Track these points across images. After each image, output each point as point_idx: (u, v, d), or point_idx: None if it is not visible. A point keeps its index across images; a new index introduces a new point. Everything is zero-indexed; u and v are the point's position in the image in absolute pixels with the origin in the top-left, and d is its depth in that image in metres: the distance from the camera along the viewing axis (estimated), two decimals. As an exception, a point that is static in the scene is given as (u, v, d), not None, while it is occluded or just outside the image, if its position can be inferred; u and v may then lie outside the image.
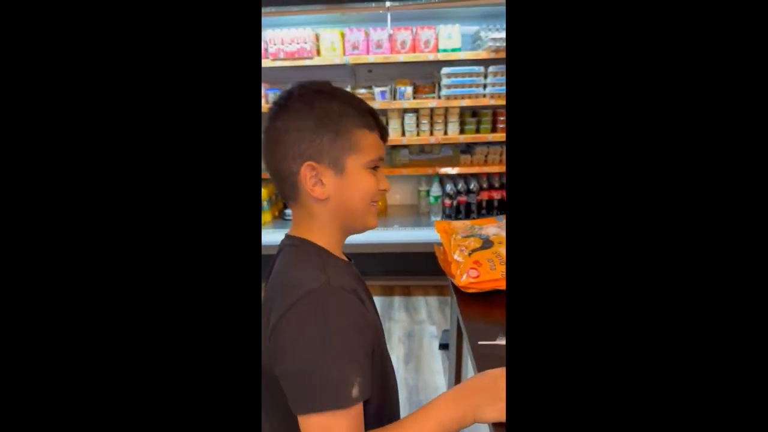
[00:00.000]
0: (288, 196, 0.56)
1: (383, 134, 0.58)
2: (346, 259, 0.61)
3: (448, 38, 2.05)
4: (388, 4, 1.95)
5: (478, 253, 0.87)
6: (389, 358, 0.61)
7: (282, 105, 0.53)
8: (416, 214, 2.45)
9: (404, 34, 2.04)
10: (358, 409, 0.47)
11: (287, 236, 0.58)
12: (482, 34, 2.05)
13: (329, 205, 0.55)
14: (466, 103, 2.12)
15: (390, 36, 2.04)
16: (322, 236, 0.57)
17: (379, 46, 2.05)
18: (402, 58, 2.05)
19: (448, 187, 2.28)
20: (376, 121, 0.56)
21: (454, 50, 2.06)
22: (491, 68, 2.08)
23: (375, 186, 0.56)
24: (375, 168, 0.57)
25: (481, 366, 0.65)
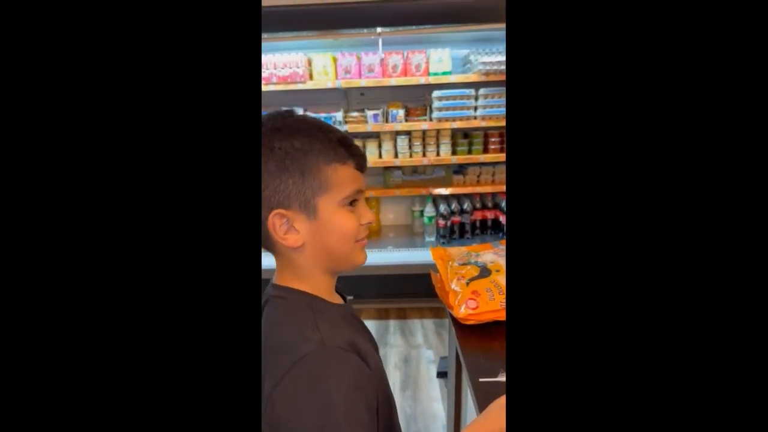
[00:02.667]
0: (262, 246, 0.52)
1: (360, 163, 0.52)
2: (340, 299, 0.57)
3: (439, 62, 2.09)
4: (379, 29, 1.99)
5: (476, 282, 0.86)
6: (393, 403, 0.57)
7: None
8: (410, 235, 2.43)
9: (395, 59, 2.07)
10: None
11: (272, 285, 0.54)
12: (472, 57, 2.09)
13: (307, 252, 0.50)
14: (457, 125, 2.14)
15: (381, 60, 2.07)
16: (309, 283, 0.52)
17: (371, 70, 2.08)
18: (394, 81, 2.08)
19: (442, 208, 2.28)
20: (348, 151, 0.50)
21: (444, 73, 2.09)
22: (482, 91, 2.12)
23: (355, 224, 0.51)
24: (353, 202, 0.51)
25: (483, 404, 0.63)
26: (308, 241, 0.50)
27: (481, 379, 0.68)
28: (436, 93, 2.11)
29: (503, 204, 2.32)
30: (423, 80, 2.08)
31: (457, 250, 1.01)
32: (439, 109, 2.12)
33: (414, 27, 1.99)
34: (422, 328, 2.22)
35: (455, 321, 0.85)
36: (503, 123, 2.17)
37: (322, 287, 0.53)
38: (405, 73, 2.09)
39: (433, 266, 0.99)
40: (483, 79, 2.06)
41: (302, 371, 0.44)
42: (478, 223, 2.34)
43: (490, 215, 2.35)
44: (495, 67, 2.03)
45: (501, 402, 0.49)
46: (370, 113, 2.15)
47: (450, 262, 0.95)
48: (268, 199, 0.48)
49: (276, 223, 0.48)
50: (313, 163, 0.48)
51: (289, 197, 0.48)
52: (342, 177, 0.50)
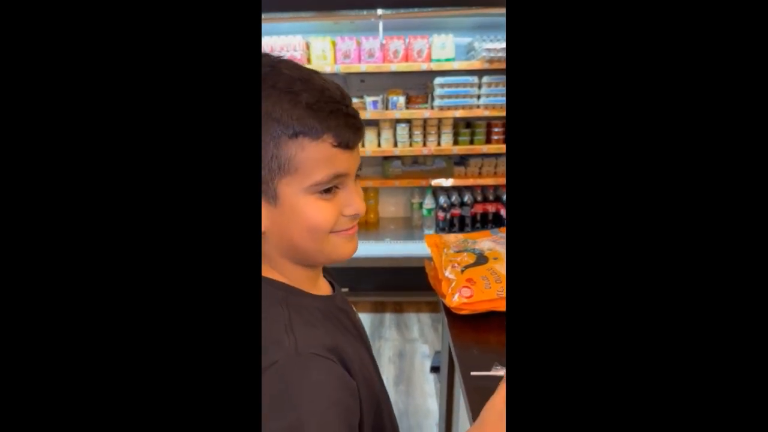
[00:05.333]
0: None
1: (342, 137, 0.39)
2: (327, 289, 0.48)
3: (442, 48, 2.02)
4: (380, 11, 1.91)
5: (472, 270, 0.79)
6: (386, 401, 0.49)
7: None
8: (409, 227, 2.38)
9: (397, 44, 2.00)
10: None
11: None
12: (476, 44, 2.02)
13: (270, 242, 0.42)
14: (459, 114, 2.07)
15: (382, 45, 2.00)
16: (281, 273, 0.43)
17: (371, 55, 2.01)
18: (394, 67, 2.01)
19: (442, 200, 2.22)
20: (323, 122, 0.37)
21: (447, 60, 2.02)
22: (485, 79, 2.05)
23: (329, 216, 0.40)
24: (332, 189, 0.40)
25: (473, 400, 0.57)
26: (269, 228, 0.40)
27: (472, 373, 0.61)
28: (438, 80, 2.05)
29: (505, 197, 2.26)
30: (425, 66, 2.01)
31: (453, 237, 0.95)
32: (441, 97, 2.05)
33: (416, 9, 1.91)
34: (418, 323, 2.16)
35: (448, 311, 0.79)
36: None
37: (299, 277, 0.44)
38: (406, 58, 2.03)
39: (429, 259, 0.93)
40: (487, 66, 1.99)
41: (270, 384, 0.35)
42: (478, 217, 2.28)
43: (491, 208, 2.29)
44: (499, 54, 1.96)
45: (499, 408, 0.41)
46: (369, 100, 2.08)
47: (445, 250, 0.89)
48: None
49: None
50: (271, 135, 0.37)
51: None
52: (310, 157, 0.38)
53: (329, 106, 0.38)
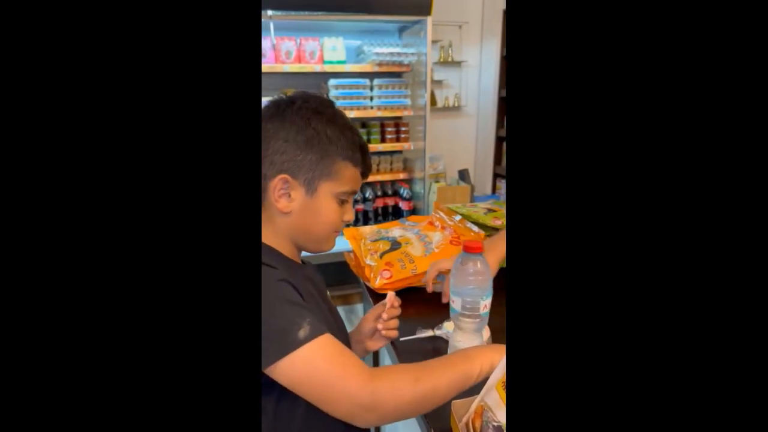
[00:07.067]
0: None
1: (366, 172, 0.62)
2: (299, 262, 0.63)
3: (333, 50, 2.10)
4: (270, 12, 1.90)
5: (389, 255, 0.90)
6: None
7: (281, 111, 0.56)
8: (314, 226, 2.41)
9: (288, 44, 2.02)
10: (314, 346, 0.46)
11: None
12: (365, 48, 2.15)
13: (289, 220, 0.58)
14: (354, 114, 2.18)
15: (274, 46, 1.99)
16: (277, 242, 0.59)
17: (262, 55, 1.98)
18: (287, 68, 2.02)
19: (345, 197, 2.31)
20: (363, 158, 0.60)
21: (339, 62, 2.11)
22: (376, 81, 2.19)
23: (339, 217, 0.60)
24: (344, 201, 0.60)
25: (404, 360, 0.67)
26: (295, 211, 0.58)
27: (401, 339, 0.72)
28: (332, 81, 2.12)
29: (401, 191, 2.46)
30: (318, 68, 2.07)
31: (368, 229, 1.05)
32: (336, 98, 2.13)
33: (306, 12, 1.95)
34: (333, 317, 2.22)
35: (372, 292, 0.88)
36: (397, 113, 2.29)
37: (288, 249, 0.61)
38: (299, 60, 2.05)
39: (337, 255, 1.01)
40: (377, 69, 2.14)
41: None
42: (380, 210, 2.44)
43: (390, 202, 2.47)
44: (387, 58, 2.12)
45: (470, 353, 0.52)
46: (263, 100, 2.05)
47: (362, 240, 0.99)
48: (281, 164, 0.56)
49: (278, 185, 0.56)
50: (333, 152, 0.57)
51: (300, 169, 0.56)
52: (349, 175, 0.59)
53: (366, 150, 0.61)
